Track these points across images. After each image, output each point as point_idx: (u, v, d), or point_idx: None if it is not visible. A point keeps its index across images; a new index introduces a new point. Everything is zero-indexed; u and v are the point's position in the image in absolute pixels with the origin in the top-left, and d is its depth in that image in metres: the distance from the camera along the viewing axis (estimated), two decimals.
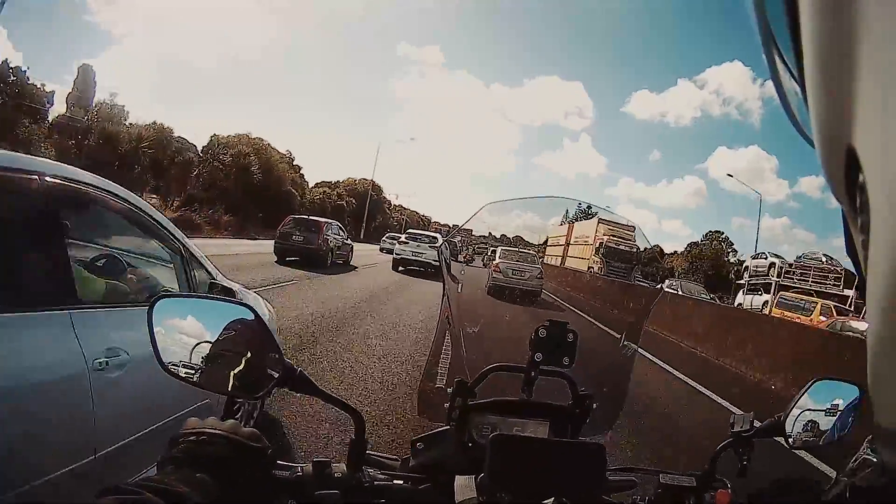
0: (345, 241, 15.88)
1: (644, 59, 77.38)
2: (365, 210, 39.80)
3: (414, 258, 16.02)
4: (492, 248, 1.63)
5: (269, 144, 31.62)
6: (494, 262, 1.68)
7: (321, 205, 35.62)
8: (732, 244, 41.94)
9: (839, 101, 0.23)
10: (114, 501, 0.49)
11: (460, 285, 1.00)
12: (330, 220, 15.66)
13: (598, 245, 19.43)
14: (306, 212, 21.40)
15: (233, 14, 72.84)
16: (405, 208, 69.38)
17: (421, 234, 17.70)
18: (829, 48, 0.23)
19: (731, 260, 39.89)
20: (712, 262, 38.89)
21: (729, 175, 63.64)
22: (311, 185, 39.66)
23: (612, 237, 19.24)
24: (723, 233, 42.80)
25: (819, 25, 0.23)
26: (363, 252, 22.22)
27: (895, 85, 0.20)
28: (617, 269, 17.34)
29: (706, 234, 42.99)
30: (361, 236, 35.45)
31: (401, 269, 16.11)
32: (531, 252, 1.93)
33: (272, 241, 14.42)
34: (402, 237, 18.38)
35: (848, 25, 0.22)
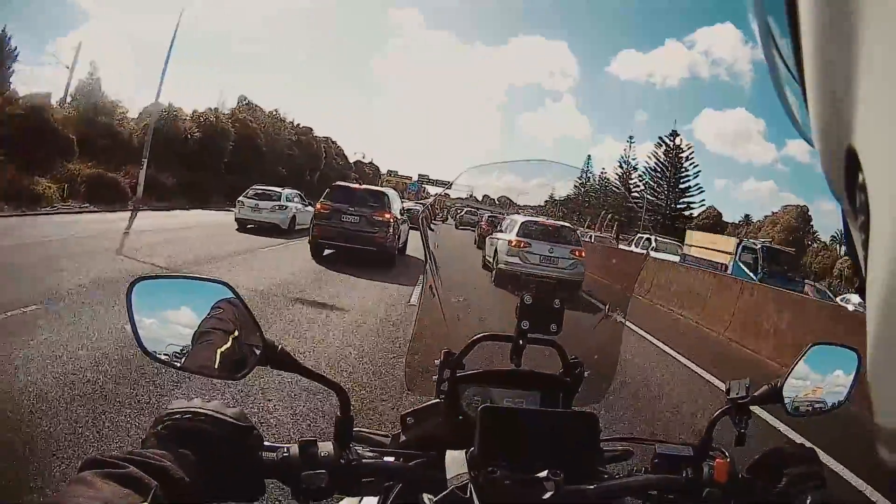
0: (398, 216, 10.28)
1: (632, 17, 75.01)
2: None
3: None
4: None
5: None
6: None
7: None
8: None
9: (839, 101, 0.23)
10: (97, 474, 0.48)
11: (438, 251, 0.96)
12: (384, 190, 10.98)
13: None
14: None
15: None
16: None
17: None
18: (829, 48, 0.23)
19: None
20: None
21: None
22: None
23: None
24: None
25: (819, 26, 0.23)
26: None
27: (895, 85, 0.20)
28: None
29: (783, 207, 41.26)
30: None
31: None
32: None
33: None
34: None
35: (848, 25, 0.22)
